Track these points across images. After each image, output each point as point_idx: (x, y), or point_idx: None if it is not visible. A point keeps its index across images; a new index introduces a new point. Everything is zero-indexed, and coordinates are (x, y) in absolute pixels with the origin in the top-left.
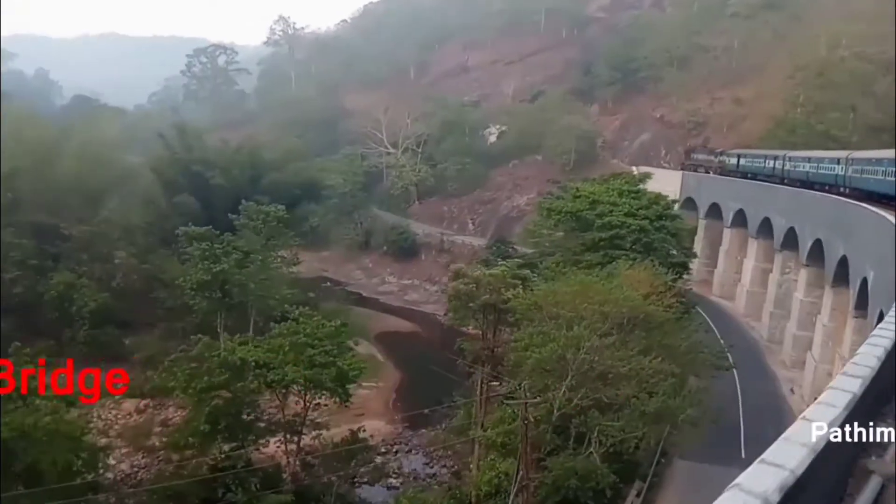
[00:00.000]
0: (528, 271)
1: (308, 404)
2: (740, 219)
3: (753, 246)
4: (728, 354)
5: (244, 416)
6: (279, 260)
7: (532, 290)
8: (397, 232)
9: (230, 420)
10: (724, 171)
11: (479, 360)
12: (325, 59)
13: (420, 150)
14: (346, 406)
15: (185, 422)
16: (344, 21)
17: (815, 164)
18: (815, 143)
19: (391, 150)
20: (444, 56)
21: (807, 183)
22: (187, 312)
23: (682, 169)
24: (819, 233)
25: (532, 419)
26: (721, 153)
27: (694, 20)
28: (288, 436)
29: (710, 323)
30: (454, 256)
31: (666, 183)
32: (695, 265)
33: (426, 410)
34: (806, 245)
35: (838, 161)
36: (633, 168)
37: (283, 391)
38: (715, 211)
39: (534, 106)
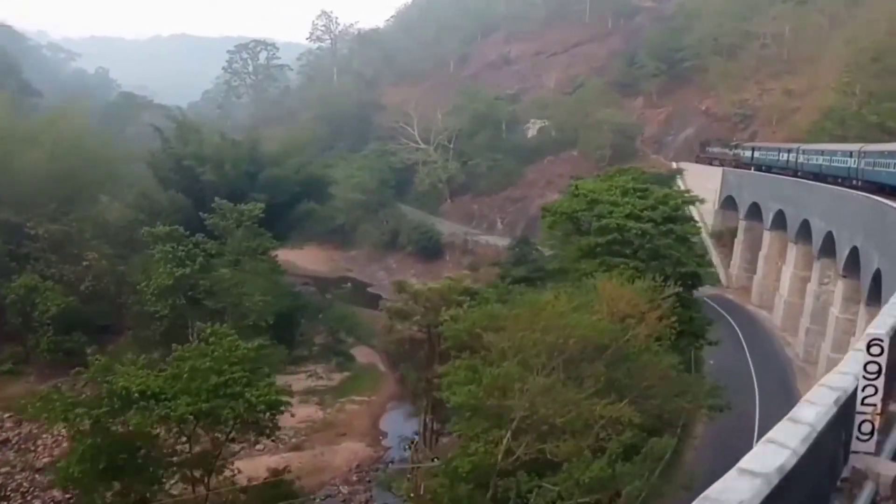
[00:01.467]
0: (480, 286)
1: (224, 438)
2: (780, 220)
3: (793, 251)
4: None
5: (140, 453)
6: (262, 262)
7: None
8: (420, 231)
9: (119, 457)
10: (738, 164)
11: (417, 393)
12: (366, 53)
13: (452, 146)
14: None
15: (67, 457)
16: (393, 18)
17: (829, 157)
18: (868, 136)
19: (422, 146)
20: (486, 48)
21: (820, 176)
22: (156, 320)
23: (696, 162)
24: (856, 239)
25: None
26: (736, 146)
27: (743, 5)
28: (198, 475)
29: (741, 337)
30: (477, 258)
31: (706, 180)
32: (734, 271)
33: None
34: (843, 253)
35: (851, 154)
36: (673, 164)
37: (179, 426)
38: (755, 211)
39: (571, 99)
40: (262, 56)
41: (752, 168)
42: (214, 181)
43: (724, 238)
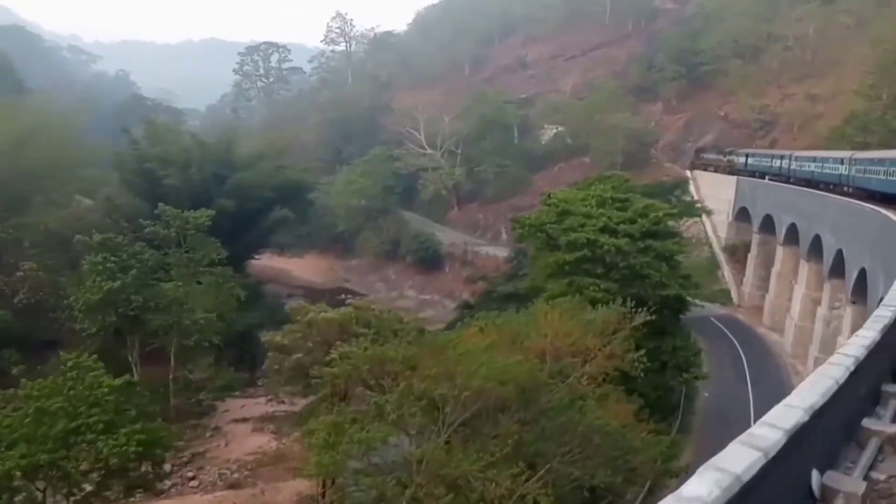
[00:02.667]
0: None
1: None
2: (793, 235)
3: (804, 269)
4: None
5: None
6: (210, 275)
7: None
8: (419, 241)
9: None
10: (732, 171)
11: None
12: (380, 56)
13: (459, 152)
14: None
15: None
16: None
17: (820, 164)
18: (893, 142)
19: (428, 151)
20: (502, 51)
21: (812, 182)
22: (93, 336)
23: (691, 168)
24: (864, 260)
25: None
26: (730, 152)
27: (765, 6)
28: None
29: (745, 365)
30: (476, 269)
31: (721, 189)
32: (747, 288)
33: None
34: (852, 275)
35: (842, 161)
36: (687, 172)
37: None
38: (769, 224)
39: (583, 103)
40: (274, 59)
41: (755, 176)
42: (177, 185)
43: (738, 253)
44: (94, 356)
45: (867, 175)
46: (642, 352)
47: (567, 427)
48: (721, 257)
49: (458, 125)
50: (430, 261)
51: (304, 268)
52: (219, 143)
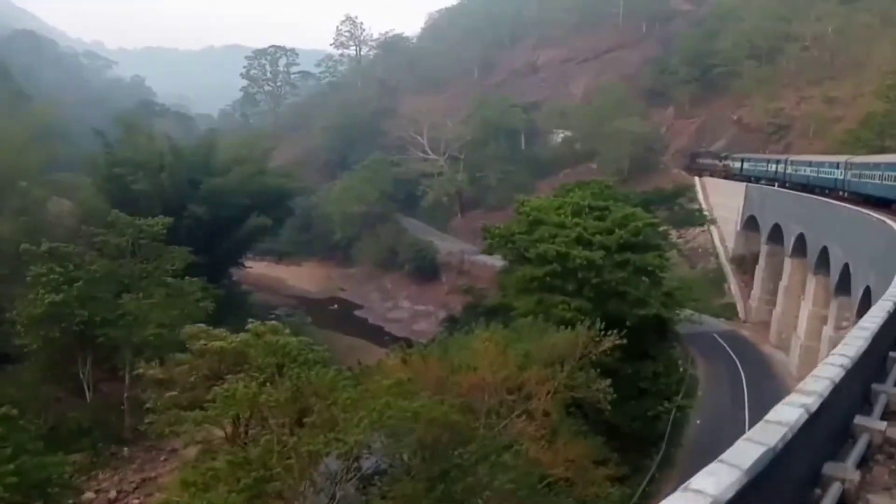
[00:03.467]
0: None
1: None
2: (801, 246)
3: (812, 284)
4: None
5: None
6: (166, 287)
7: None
8: (415, 249)
9: None
10: (728, 175)
11: None
12: (390, 60)
13: (462, 157)
14: None
15: None
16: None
17: (816, 169)
18: None
19: (431, 156)
20: (512, 55)
21: (808, 187)
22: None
23: (688, 174)
24: (871, 276)
25: None
26: (725, 157)
27: (783, 4)
28: None
29: (745, 388)
30: (473, 279)
31: (729, 197)
32: (754, 303)
33: None
34: (857, 293)
35: (837, 165)
36: (696, 179)
37: None
38: (777, 234)
39: (590, 107)
40: (282, 63)
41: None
42: (147, 190)
43: (746, 264)
44: None
45: (862, 179)
46: (607, 382)
47: (475, 489)
48: (728, 269)
49: (462, 130)
50: (426, 270)
51: (301, 276)
52: (197, 148)
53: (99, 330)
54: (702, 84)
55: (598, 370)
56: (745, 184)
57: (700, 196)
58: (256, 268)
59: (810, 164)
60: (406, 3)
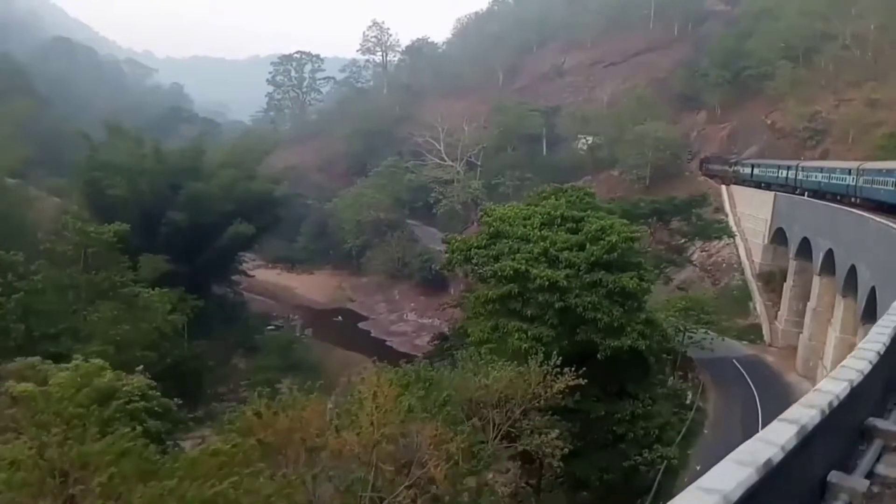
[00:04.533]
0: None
1: None
2: (830, 263)
3: (840, 307)
4: None
5: None
6: (115, 300)
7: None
8: (422, 259)
9: None
10: (738, 181)
11: None
12: (415, 65)
13: (479, 163)
14: None
15: None
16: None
17: (828, 175)
18: None
19: (447, 163)
20: (539, 59)
21: (819, 193)
22: None
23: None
24: None
25: None
26: (736, 162)
27: (820, 1)
28: None
29: (760, 426)
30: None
31: (758, 208)
32: (781, 324)
33: None
34: None
35: (850, 171)
36: (723, 187)
37: None
38: (806, 249)
39: (614, 111)
40: (307, 69)
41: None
42: (123, 195)
43: (774, 281)
44: None
45: (875, 186)
46: (553, 434)
47: None
48: (754, 286)
49: (479, 136)
50: (434, 281)
51: (311, 285)
52: (185, 152)
53: (38, 346)
54: (734, 87)
55: (552, 414)
56: (773, 193)
57: (727, 206)
58: (267, 276)
59: (821, 169)
60: (436, 11)
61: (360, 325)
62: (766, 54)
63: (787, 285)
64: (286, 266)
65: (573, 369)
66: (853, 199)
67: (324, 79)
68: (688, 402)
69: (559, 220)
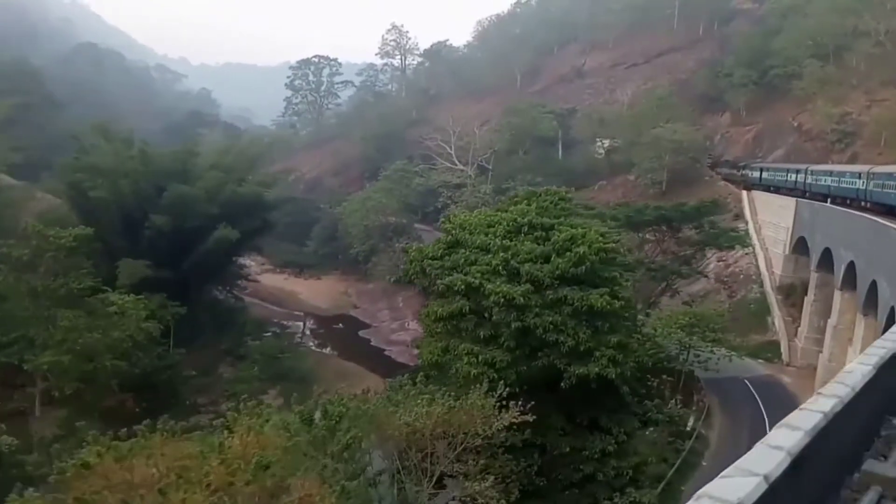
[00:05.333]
0: None
1: None
2: (851, 277)
3: (861, 327)
4: None
5: None
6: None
7: None
8: None
9: None
10: (747, 186)
11: None
12: (433, 68)
13: (491, 167)
14: None
15: None
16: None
17: (837, 179)
18: None
19: (458, 166)
20: (559, 61)
21: (829, 197)
22: None
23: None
24: None
25: None
26: (744, 166)
27: None
28: None
29: None
30: None
31: (778, 214)
32: (801, 342)
33: None
34: None
35: (860, 175)
36: (744, 193)
37: None
38: (828, 260)
39: (631, 113)
40: (325, 73)
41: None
42: (105, 198)
43: (795, 295)
44: None
45: (886, 189)
46: (488, 482)
47: None
48: (773, 299)
49: (492, 138)
50: (436, 289)
51: (317, 291)
52: (176, 154)
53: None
54: (761, 88)
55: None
56: (795, 199)
57: (747, 212)
58: (274, 280)
59: (831, 173)
60: (457, 13)
61: (361, 332)
62: (794, 53)
63: (808, 300)
64: (294, 271)
65: (525, 400)
66: (863, 203)
67: (342, 83)
68: (688, 428)
69: (526, 227)
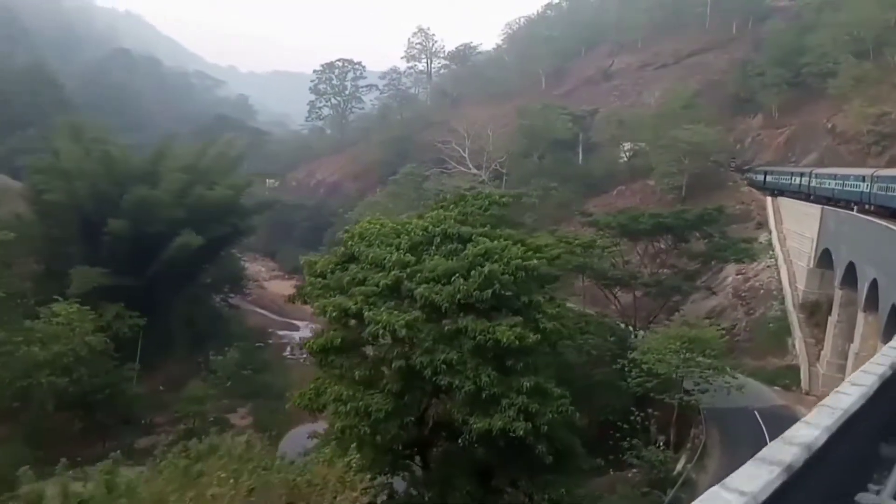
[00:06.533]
0: None
1: None
2: (874, 297)
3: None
4: None
5: None
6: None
7: None
8: None
9: None
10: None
11: None
12: (459, 72)
13: (506, 172)
14: None
15: None
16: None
17: (841, 182)
18: None
19: (472, 171)
20: (586, 62)
21: (833, 200)
22: None
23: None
24: None
25: None
26: (748, 170)
27: None
28: None
29: None
30: None
31: (803, 223)
32: (823, 367)
33: None
34: None
35: (863, 178)
36: (768, 199)
37: None
38: (852, 276)
39: (651, 114)
40: (349, 76)
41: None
42: (60, 201)
43: (819, 314)
44: None
45: (889, 192)
46: None
47: None
48: (794, 318)
49: (508, 142)
50: None
51: None
52: (142, 157)
53: None
54: (795, 88)
55: None
56: (820, 207)
57: (771, 220)
58: (280, 287)
59: (835, 176)
60: (486, 17)
61: None
62: (830, 49)
63: (832, 320)
64: (302, 277)
65: (423, 457)
66: (867, 207)
67: (366, 87)
68: (676, 472)
69: (439, 239)
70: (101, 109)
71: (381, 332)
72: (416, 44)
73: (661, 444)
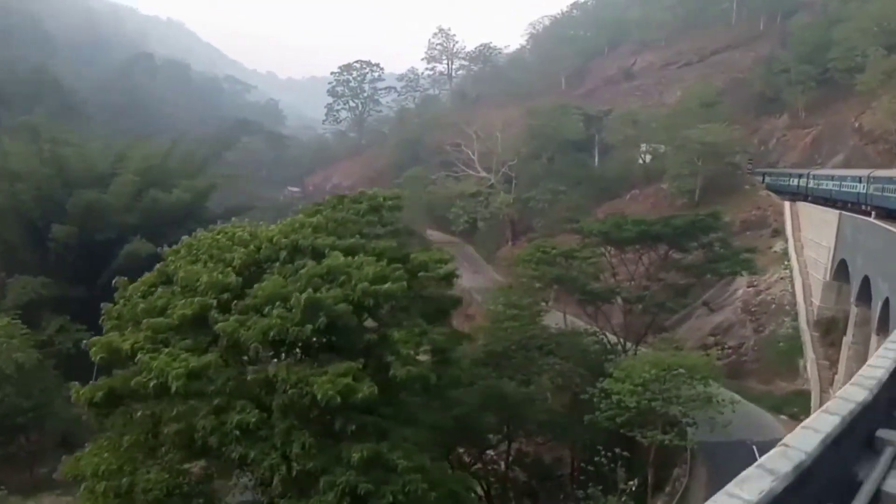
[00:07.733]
0: None
1: None
2: (888, 317)
3: None
4: None
5: None
6: None
7: None
8: None
9: None
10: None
11: None
12: (479, 73)
13: (515, 175)
14: None
15: None
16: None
17: (839, 183)
18: None
19: (481, 173)
20: (607, 62)
21: (830, 201)
22: None
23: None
24: None
25: None
26: (750, 171)
27: None
28: None
29: None
30: (475, 323)
31: (820, 231)
32: (837, 391)
33: None
34: None
35: (860, 179)
36: (786, 204)
37: None
38: (867, 292)
39: (666, 114)
40: (368, 78)
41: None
42: (3, 204)
43: (835, 332)
44: None
45: (886, 193)
46: None
47: None
48: (808, 337)
49: (516, 144)
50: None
51: None
52: (99, 159)
53: None
54: (822, 86)
55: None
56: (838, 213)
57: (788, 228)
58: None
59: (832, 177)
60: (509, 17)
61: None
62: (857, 42)
63: (846, 341)
64: None
65: None
66: (864, 207)
67: (384, 89)
68: None
69: (286, 253)
70: (116, 114)
71: (153, 382)
72: (437, 44)
73: (632, 488)
